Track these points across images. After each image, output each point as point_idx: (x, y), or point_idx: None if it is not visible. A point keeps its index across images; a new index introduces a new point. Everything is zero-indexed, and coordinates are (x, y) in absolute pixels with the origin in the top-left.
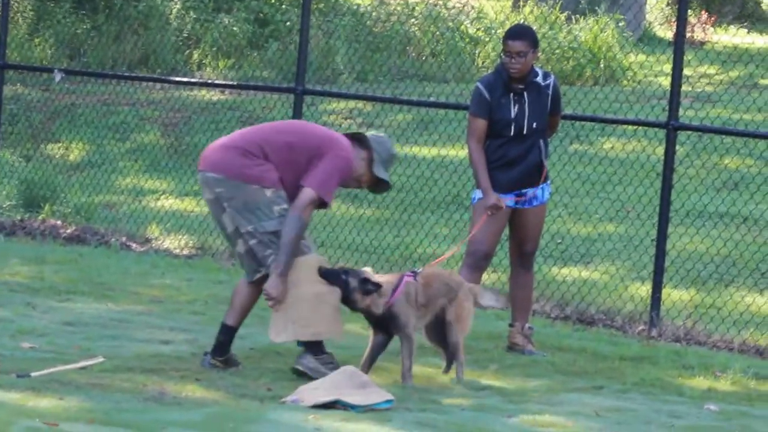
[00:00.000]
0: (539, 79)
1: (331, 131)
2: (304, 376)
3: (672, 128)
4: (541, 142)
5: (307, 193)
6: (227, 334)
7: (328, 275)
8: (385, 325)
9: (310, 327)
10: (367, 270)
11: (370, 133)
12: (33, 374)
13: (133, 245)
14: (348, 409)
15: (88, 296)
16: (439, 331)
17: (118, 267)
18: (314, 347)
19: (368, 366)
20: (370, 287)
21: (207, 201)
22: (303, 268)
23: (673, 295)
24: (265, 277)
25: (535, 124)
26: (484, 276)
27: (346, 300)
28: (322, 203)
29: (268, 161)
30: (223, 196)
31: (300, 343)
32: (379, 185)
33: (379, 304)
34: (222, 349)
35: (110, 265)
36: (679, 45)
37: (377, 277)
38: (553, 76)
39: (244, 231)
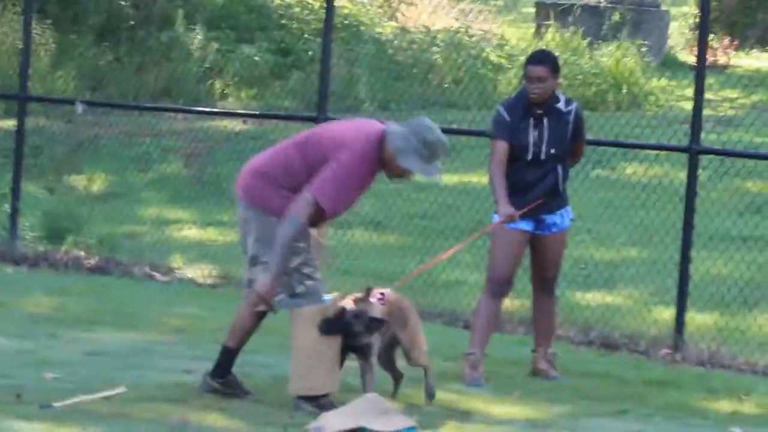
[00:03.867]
0: (561, 104)
1: (351, 130)
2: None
3: (694, 152)
4: (560, 168)
5: (303, 197)
6: (225, 354)
7: (330, 329)
8: (358, 350)
9: (306, 381)
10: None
11: (410, 122)
12: (56, 405)
13: (157, 275)
14: None
15: (111, 326)
16: (388, 355)
17: (142, 297)
18: (309, 397)
19: None
20: (375, 325)
21: (238, 220)
22: (300, 319)
23: (697, 318)
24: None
25: (553, 150)
26: (507, 302)
27: (351, 341)
28: (333, 211)
29: (291, 191)
30: (248, 221)
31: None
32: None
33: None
34: (220, 371)
35: (133, 295)
36: (701, 69)
37: (373, 307)
38: (576, 103)
39: (263, 261)
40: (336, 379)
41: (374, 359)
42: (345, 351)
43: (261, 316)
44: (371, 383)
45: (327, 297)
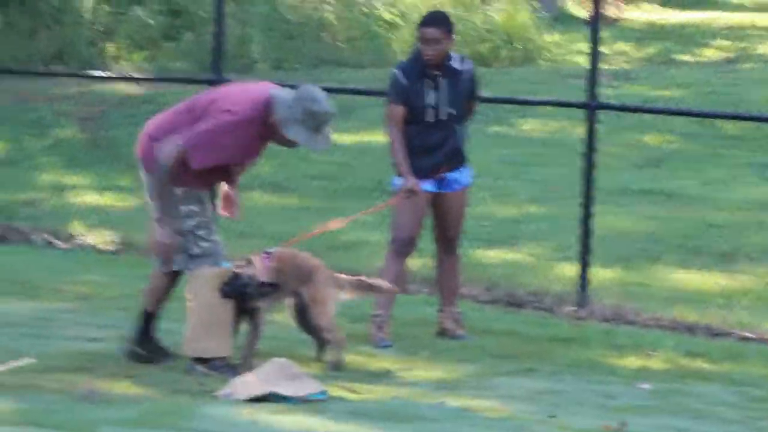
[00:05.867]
0: (456, 64)
1: (237, 95)
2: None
3: (592, 108)
4: (459, 127)
5: (173, 141)
6: (143, 319)
7: (227, 293)
8: (248, 313)
9: (199, 343)
10: (254, 258)
11: (300, 88)
12: None
13: (57, 242)
14: (282, 401)
15: (12, 295)
16: (303, 316)
17: (42, 265)
18: (203, 359)
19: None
20: (267, 289)
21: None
22: (196, 281)
23: (600, 274)
24: (172, 274)
25: (452, 110)
26: (411, 261)
27: (243, 305)
28: (200, 164)
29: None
30: (147, 184)
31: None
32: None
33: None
34: (141, 336)
35: (34, 263)
36: (596, 23)
37: (255, 263)
38: (470, 61)
39: (160, 221)
40: (229, 343)
41: (263, 322)
42: (238, 315)
43: (173, 277)
44: (253, 346)
45: (225, 262)
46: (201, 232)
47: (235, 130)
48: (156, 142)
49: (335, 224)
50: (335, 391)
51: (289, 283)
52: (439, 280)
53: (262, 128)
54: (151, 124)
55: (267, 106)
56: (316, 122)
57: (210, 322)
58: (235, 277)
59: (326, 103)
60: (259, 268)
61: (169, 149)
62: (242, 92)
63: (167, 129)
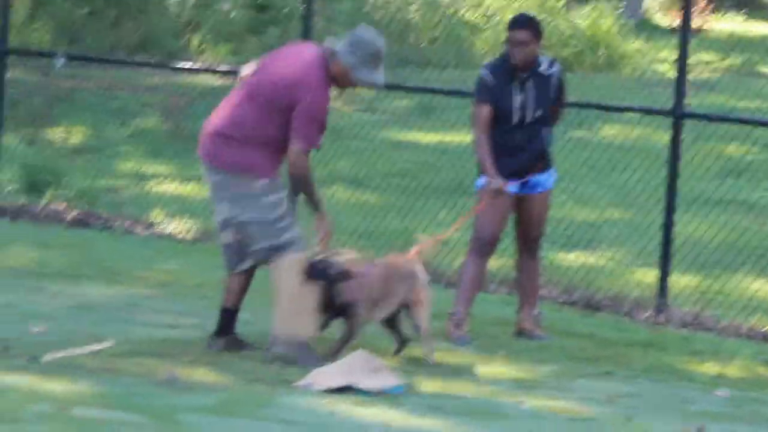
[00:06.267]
0: (544, 67)
1: (297, 66)
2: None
3: (679, 116)
4: (545, 130)
5: (295, 152)
6: (223, 315)
7: (311, 273)
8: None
9: (290, 326)
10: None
11: (353, 33)
12: (44, 358)
13: (137, 229)
14: (361, 393)
15: (94, 280)
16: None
17: (123, 251)
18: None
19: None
20: (343, 276)
21: (209, 185)
22: (283, 267)
23: (679, 281)
24: (248, 270)
25: (538, 113)
26: (491, 262)
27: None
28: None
29: (257, 145)
30: (219, 185)
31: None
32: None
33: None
34: (222, 331)
35: (115, 249)
36: (685, 33)
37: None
38: (558, 65)
39: (236, 221)
40: (314, 324)
41: (359, 322)
42: (331, 312)
43: (248, 274)
44: (345, 342)
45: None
46: (285, 222)
47: (321, 101)
48: (225, 138)
49: (442, 236)
50: (415, 385)
51: (398, 292)
52: (519, 281)
53: (330, 84)
54: (215, 121)
55: (326, 62)
56: (377, 60)
57: (296, 308)
58: (321, 259)
59: (379, 41)
60: (361, 272)
61: (297, 160)
62: (297, 61)
63: (239, 123)
